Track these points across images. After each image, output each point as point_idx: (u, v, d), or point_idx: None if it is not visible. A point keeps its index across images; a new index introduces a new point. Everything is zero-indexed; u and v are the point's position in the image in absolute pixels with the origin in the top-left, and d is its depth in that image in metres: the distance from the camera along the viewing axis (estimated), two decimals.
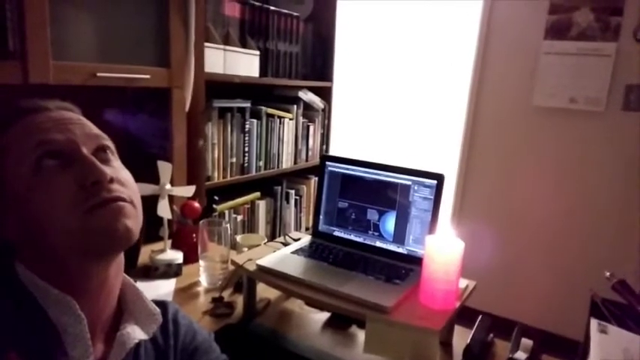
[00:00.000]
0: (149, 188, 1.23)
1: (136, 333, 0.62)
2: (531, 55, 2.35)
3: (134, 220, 0.57)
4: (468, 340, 0.97)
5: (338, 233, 1.20)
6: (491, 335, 1.04)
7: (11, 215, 0.56)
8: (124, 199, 0.56)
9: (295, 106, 2.25)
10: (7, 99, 0.63)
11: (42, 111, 0.59)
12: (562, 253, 2.43)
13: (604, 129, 2.25)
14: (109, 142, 0.61)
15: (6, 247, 0.58)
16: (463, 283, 1.00)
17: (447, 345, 1.04)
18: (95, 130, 0.61)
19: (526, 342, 0.95)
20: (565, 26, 2.24)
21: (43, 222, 0.53)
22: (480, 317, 1.05)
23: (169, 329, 0.69)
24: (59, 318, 0.54)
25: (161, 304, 0.70)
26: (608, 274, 0.90)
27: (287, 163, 2.27)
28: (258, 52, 1.96)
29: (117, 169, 0.60)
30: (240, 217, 2.05)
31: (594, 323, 0.81)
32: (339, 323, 1.13)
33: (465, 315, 1.04)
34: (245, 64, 1.91)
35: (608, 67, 2.18)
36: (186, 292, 1.23)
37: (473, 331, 1.00)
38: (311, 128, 2.40)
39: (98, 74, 1.24)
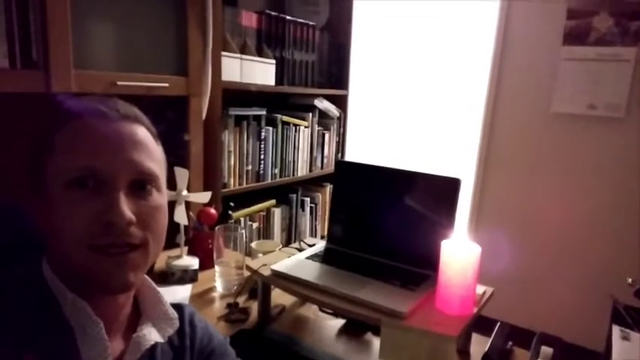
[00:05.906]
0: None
1: (152, 335, 0.63)
2: (550, 61, 2.32)
3: (137, 269, 0.57)
4: (487, 348, 0.95)
5: (353, 239, 1.19)
6: (510, 343, 1.02)
7: (41, 206, 0.56)
8: (134, 246, 0.55)
9: (311, 114, 2.27)
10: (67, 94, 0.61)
11: (100, 117, 0.56)
12: (582, 261, 2.37)
13: (624, 135, 2.21)
14: (154, 172, 0.58)
15: (37, 241, 0.59)
16: (480, 289, 0.99)
17: (464, 353, 1.02)
18: (144, 154, 0.57)
19: (546, 350, 0.93)
20: (584, 32, 2.21)
21: (60, 234, 0.54)
22: (498, 324, 1.03)
23: (186, 331, 0.70)
24: (76, 320, 0.55)
25: (177, 307, 0.71)
26: (630, 280, 0.88)
27: (302, 170, 2.28)
28: (274, 61, 1.99)
29: (149, 205, 0.57)
30: (255, 225, 2.05)
31: (616, 330, 0.79)
32: (355, 330, 1.13)
33: (482, 324, 1.03)
34: (261, 72, 1.93)
35: (628, 72, 2.14)
36: (201, 298, 1.24)
37: (491, 338, 0.99)
38: (326, 136, 2.41)
39: (118, 83, 1.26)
